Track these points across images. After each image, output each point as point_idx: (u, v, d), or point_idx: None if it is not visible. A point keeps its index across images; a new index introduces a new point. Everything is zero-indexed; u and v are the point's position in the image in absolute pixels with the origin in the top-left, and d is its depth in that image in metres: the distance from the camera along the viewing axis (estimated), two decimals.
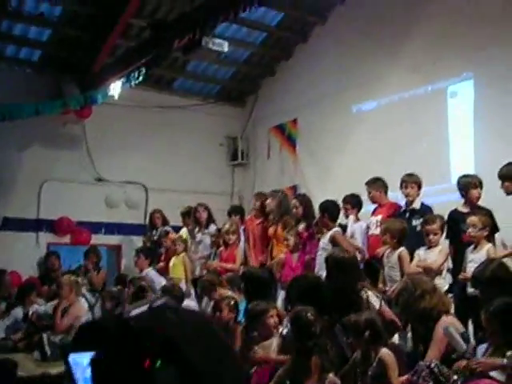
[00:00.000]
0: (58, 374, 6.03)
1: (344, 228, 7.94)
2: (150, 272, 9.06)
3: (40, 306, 8.59)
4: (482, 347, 4.58)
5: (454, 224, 6.90)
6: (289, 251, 7.86)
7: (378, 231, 7.41)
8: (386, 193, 8.05)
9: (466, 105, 9.21)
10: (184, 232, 9.71)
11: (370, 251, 7.58)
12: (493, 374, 4.25)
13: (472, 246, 6.44)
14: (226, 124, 12.82)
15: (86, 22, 10.51)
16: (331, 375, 4.96)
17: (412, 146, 9.56)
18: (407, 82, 9.83)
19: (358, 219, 8.09)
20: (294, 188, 11.30)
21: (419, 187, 7.52)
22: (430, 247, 6.61)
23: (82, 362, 1.79)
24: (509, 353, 4.15)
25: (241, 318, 6.58)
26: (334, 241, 7.40)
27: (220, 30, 10.51)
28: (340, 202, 8.01)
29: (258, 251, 8.70)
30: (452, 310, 6.05)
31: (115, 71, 9.91)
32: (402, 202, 7.78)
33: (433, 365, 4.48)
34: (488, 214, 6.68)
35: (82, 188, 11.33)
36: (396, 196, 8.10)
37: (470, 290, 6.06)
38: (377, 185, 7.98)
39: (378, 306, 5.72)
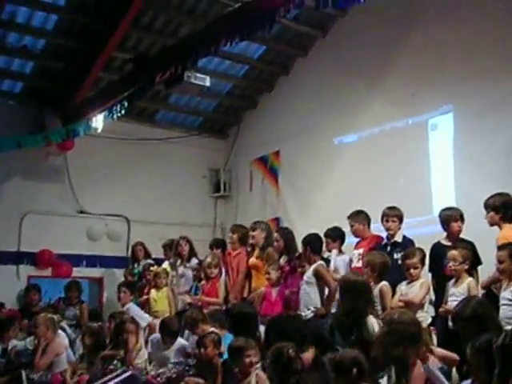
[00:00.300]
0: None
1: (328, 261, 7.91)
2: (132, 306, 8.98)
3: (19, 342, 8.46)
4: (466, 383, 4.57)
5: (436, 257, 6.92)
6: (270, 285, 7.82)
7: (360, 264, 7.39)
8: (368, 225, 8.03)
9: (447, 137, 9.30)
10: (166, 265, 9.66)
11: None
12: None
13: (453, 280, 6.44)
14: (209, 156, 12.86)
15: (68, 55, 10.55)
16: None
17: (394, 177, 9.62)
18: (388, 115, 9.91)
19: (341, 252, 8.07)
20: (277, 220, 11.32)
21: (401, 220, 7.53)
22: (411, 281, 6.60)
23: None
24: None
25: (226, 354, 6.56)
26: (317, 274, 7.35)
27: (202, 63, 10.58)
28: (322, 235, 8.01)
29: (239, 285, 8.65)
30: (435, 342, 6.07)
31: (97, 104, 9.93)
32: (385, 233, 7.79)
33: None
34: (470, 247, 6.70)
35: (63, 220, 11.27)
36: (379, 227, 8.06)
37: (451, 324, 6.06)
38: (360, 217, 7.96)
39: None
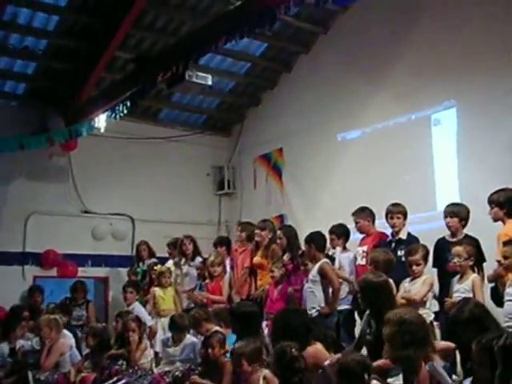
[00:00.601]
0: None
1: (332, 259, 7.92)
2: (137, 306, 9.01)
3: (26, 342, 8.48)
4: (468, 381, 4.57)
5: (440, 253, 6.93)
6: (273, 283, 7.83)
7: (364, 262, 7.41)
8: (373, 222, 8.03)
9: (450, 132, 9.27)
10: (171, 264, 9.68)
11: None
12: None
13: (458, 276, 6.45)
14: (212, 154, 12.85)
15: (70, 55, 10.55)
16: None
17: (397, 173, 9.61)
18: (391, 111, 9.90)
19: (345, 249, 8.06)
20: (281, 217, 11.33)
21: (405, 217, 7.52)
22: (414, 278, 6.60)
23: None
24: None
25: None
26: (322, 272, 7.38)
27: (204, 62, 10.62)
28: (326, 232, 8.01)
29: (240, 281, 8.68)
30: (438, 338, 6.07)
31: (100, 104, 9.92)
32: (389, 230, 7.77)
33: None
34: (474, 243, 6.71)
35: (68, 220, 11.29)
36: (383, 224, 8.04)
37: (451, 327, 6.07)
38: (364, 214, 7.96)
39: None
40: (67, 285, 10.61)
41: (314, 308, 7.22)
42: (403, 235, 7.45)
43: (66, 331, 8.36)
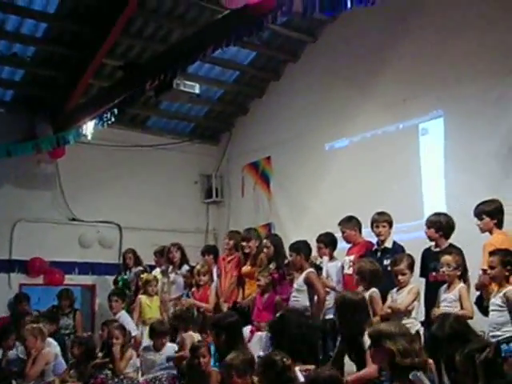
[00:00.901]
0: None
1: (319, 268, 7.91)
2: (123, 315, 8.97)
3: (12, 351, 8.42)
4: None
5: (425, 263, 6.95)
6: (260, 291, 7.82)
7: (351, 271, 7.40)
8: (360, 231, 8.02)
9: (437, 142, 9.30)
10: (158, 272, 9.66)
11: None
12: None
13: (445, 286, 6.46)
14: (200, 162, 12.84)
15: (59, 62, 10.53)
16: None
17: (385, 182, 9.62)
18: (379, 120, 9.92)
19: (332, 258, 8.05)
20: (269, 226, 11.32)
21: (390, 226, 7.53)
22: (400, 288, 6.61)
23: None
24: None
25: (213, 362, 6.58)
26: (308, 281, 7.39)
27: (193, 70, 10.62)
28: (314, 241, 8.00)
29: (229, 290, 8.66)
30: None
31: (88, 111, 9.91)
32: (376, 238, 7.77)
33: None
34: (461, 253, 6.72)
35: (55, 228, 11.24)
36: (370, 233, 8.05)
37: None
38: (351, 224, 7.94)
39: None
40: (54, 293, 10.53)
41: None
42: (389, 244, 7.46)
43: (51, 340, 8.29)
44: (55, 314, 9.83)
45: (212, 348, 6.73)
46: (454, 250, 6.66)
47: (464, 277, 6.57)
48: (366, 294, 6.50)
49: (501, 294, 5.76)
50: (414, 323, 6.43)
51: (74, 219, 11.49)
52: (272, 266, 7.99)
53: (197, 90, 8.51)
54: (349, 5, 6.11)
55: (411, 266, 6.68)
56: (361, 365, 5.67)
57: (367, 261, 6.94)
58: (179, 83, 8.11)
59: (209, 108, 12.61)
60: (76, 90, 10.54)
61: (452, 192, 8.91)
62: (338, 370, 5.43)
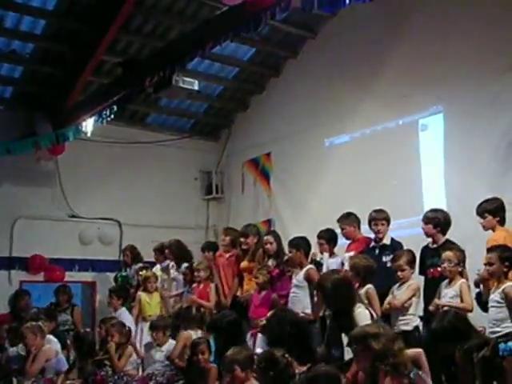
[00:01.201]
0: None
1: (319, 264, 7.91)
2: (124, 312, 8.98)
3: (12, 348, 8.42)
4: None
5: (422, 259, 6.97)
6: (257, 289, 7.83)
7: None
8: (359, 227, 8.03)
9: (437, 138, 9.28)
10: (158, 269, 9.67)
11: None
12: None
13: (446, 281, 6.48)
14: (201, 158, 12.82)
15: (58, 59, 10.52)
16: None
17: (385, 178, 9.61)
18: (379, 116, 9.90)
19: (333, 254, 8.05)
20: (269, 222, 11.32)
21: (388, 223, 7.55)
22: (401, 283, 6.63)
23: None
24: None
25: (212, 359, 6.60)
26: (309, 278, 7.39)
27: (192, 66, 10.60)
28: (313, 238, 8.00)
29: (228, 286, 8.67)
30: None
31: (87, 108, 9.90)
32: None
33: None
34: (461, 249, 6.73)
35: (55, 225, 11.23)
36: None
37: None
38: (349, 220, 7.96)
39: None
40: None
41: (297, 313, 7.19)
42: (387, 241, 7.48)
43: (51, 336, 8.31)
44: (53, 311, 9.82)
45: (212, 345, 6.74)
46: (453, 246, 6.68)
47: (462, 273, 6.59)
48: (362, 291, 6.50)
49: (499, 290, 5.77)
50: (413, 319, 6.47)
51: (73, 216, 11.49)
52: (271, 262, 8.00)
53: (196, 87, 8.49)
54: (347, 1, 6.09)
55: (411, 262, 6.71)
56: None
57: (361, 257, 6.97)
58: (178, 80, 8.08)
59: (208, 104, 12.59)
60: (75, 87, 10.53)
61: (452, 188, 8.90)
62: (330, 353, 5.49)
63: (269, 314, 6.76)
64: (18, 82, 11.01)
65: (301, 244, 7.70)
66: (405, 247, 7.27)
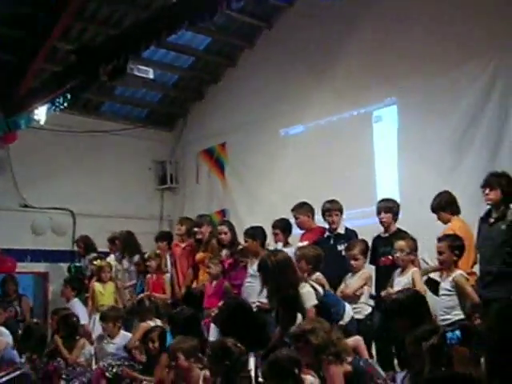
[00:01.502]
0: None
1: None
2: (76, 303, 8.90)
3: None
4: (401, 374, 4.66)
5: (373, 249, 7.07)
6: (210, 279, 7.84)
7: None
8: (313, 217, 8.09)
9: (391, 129, 9.41)
10: (112, 259, 9.59)
11: None
12: None
13: (399, 270, 6.57)
14: (155, 148, 12.74)
15: (10, 46, 10.30)
16: None
17: (339, 168, 9.69)
18: (333, 107, 9.97)
19: (288, 244, 8.08)
20: (223, 212, 11.31)
21: (342, 213, 7.63)
22: (354, 272, 6.70)
23: None
24: None
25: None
26: None
27: (147, 55, 10.48)
28: (269, 228, 8.03)
29: (184, 276, 8.65)
30: None
31: (40, 96, 9.69)
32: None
33: None
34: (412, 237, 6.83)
35: (6, 215, 11.00)
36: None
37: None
38: (304, 209, 8.01)
39: (312, 303, 5.82)
40: None
41: (253, 303, 7.23)
42: (341, 230, 7.54)
43: (2, 328, 8.18)
44: (1, 302, 9.67)
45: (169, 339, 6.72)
46: (405, 234, 6.78)
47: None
48: (312, 278, 6.53)
49: (450, 279, 5.89)
50: (364, 307, 6.56)
51: (25, 206, 11.30)
52: (224, 252, 8.00)
53: (151, 75, 8.43)
54: None
55: (364, 251, 6.79)
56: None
57: (309, 247, 7.01)
58: (133, 68, 8.01)
59: (163, 93, 12.52)
60: (28, 74, 10.34)
61: (405, 178, 9.04)
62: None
63: (220, 304, 6.79)
64: None
65: (257, 234, 7.73)
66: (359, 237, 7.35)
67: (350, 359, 4.79)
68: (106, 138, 11.92)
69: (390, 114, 9.42)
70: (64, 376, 7.15)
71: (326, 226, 7.83)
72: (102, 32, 10.28)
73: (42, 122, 9.85)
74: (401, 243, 6.53)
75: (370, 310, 6.58)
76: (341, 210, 7.60)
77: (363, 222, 8.46)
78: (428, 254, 6.73)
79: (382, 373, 4.73)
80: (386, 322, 5.79)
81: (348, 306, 6.20)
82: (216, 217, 10.62)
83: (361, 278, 6.62)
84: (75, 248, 10.82)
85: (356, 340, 5.37)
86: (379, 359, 6.10)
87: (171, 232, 10.13)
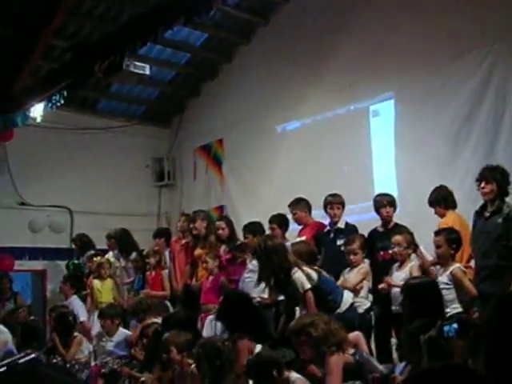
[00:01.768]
0: None
1: None
2: (74, 300, 8.89)
3: None
4: (401, 366, 4.67)
5: (371, 243, 7.07)
6: (207, 274, 7.84)
7: None
8: (310, 212, 8.10)
9: (388, 124, 9.40)
10: (111, 256, 9.59)
11: None
12: None
13: (397, 264, 6.58)
14: (152, 145, 12.74)
15: (5, 43, 10.27)
16: None
17: (336, 164, 9.71)
18: (330, 102, 9.96)
19: (284, 239, 8.08)
20: (221, 208, 11.32)
21: (343, 207, 7.62)
22: (353, 267, 6.71)
23: None
24: None
25: None
26: None
27: (144, 51, 10.40)
28: (266, 223, 8.03)
29: (182, 273, 8.65)
30: None
31: (36, 93, 9.68)
32: (326, 220, 7.84)
33: None
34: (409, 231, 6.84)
35: (4, 213, 11.01)
36: (321, 214, 8.12)
37: (394, 307, 6.23)
38: (301, 205, 8.02)
39: (306, 287, 5.84)
40: None
41: (253, 298, 7.23)
42: (341, 224, 7.54)
43: (1, 326, 8.17)
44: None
45: None
46: (403, 229, 6.78)
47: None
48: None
49: (447, 273, 5.91)
50: (364, 302, 6.56)
51: (23, 204, 11.30)
52: (224, 248, 8.00)
53: (147, 71, 8.41)
54: None
55: (363, 247, 6.79)
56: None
57: (302, 242, 7.00)
58: (129, 64, 7.99)
59: (160, 90, 12.51)
60: (24, 72, 10.30)
61: (402, 173, 9.03)
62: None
63: (220, 300, 6.78)
64: None
65: (256, 229, 7.77)
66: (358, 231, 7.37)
67: (351, 351, 4.80)
68: (103, 136, 11.92)
69: (387, 109, 9.41)
70: None
71: (324, 222, 7.85)
72: (99, 29, 10.26)
73: (38, 120, 9.85)
74: (398, 238, 6.55)
75: (368, 304, 6.59)
76: (343, 204, 7.60)
77: (360, 217, 8.46)
78: (424, 247, 6.73)
79: (380, 367, 4.74)
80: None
81: (346, 293, 6.21)
82: (214, 213, 10.63)
83: (360, 273, 6.63)
84: (73, 246, 10.78)
85: (356, 335, 5.37)
86: (378, 352, 6.14)
87: (169, 229, 10.15)
